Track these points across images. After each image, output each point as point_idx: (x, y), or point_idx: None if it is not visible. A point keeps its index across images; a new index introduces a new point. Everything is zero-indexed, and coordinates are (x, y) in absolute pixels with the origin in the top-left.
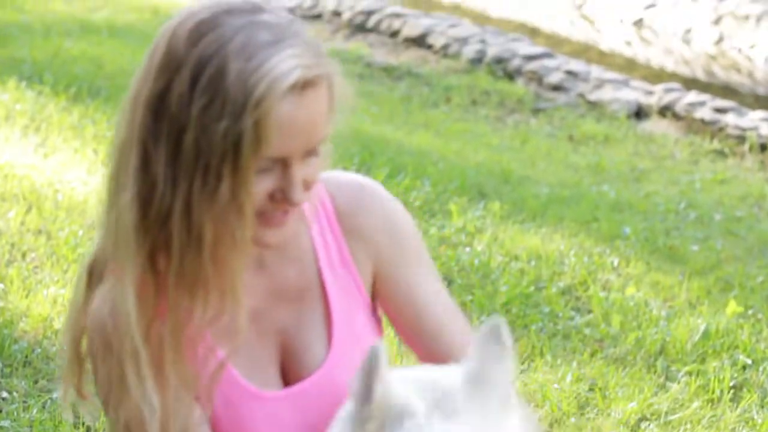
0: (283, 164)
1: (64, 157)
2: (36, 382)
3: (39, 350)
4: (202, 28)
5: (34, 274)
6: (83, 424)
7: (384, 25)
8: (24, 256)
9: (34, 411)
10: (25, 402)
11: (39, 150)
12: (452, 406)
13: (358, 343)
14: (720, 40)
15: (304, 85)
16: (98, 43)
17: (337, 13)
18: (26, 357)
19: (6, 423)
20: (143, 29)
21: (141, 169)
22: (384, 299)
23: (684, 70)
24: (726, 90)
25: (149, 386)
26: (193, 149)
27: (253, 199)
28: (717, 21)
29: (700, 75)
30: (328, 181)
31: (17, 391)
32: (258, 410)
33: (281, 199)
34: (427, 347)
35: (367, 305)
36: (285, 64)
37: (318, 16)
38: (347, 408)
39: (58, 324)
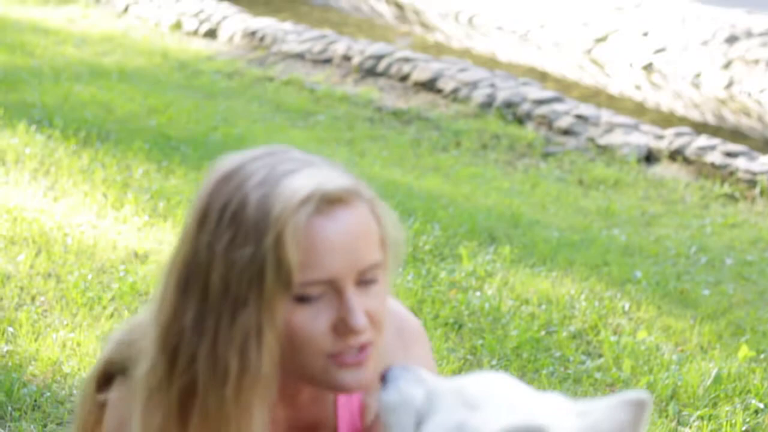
0: (335, 290)
1: (74, 201)
2: (45, 426)
3: (48, 394)
4: (225, 179)
5: (43, 318)
6: None
7: (394, 69)
8: (33, 299)
9: None
10: None
11: (48, 193)
12: None
13: None
14: (730, 84)
15: (325, 199)
16: (108, 87)
17: (347, 58)
18: (35, 401)
19: None
20: (153, 73)
21: (169, 324)
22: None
23: (694, 114)
24: (736, 134)
25: None
26: (221, 285)
27: (305, 333)
28: (727, 65)
29: (710, 119)
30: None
31: None
32: None
33: (344, 331)
34: None
35: None
36: (300, 182)
37: (328, 61)
38: None
39: (68, 368)
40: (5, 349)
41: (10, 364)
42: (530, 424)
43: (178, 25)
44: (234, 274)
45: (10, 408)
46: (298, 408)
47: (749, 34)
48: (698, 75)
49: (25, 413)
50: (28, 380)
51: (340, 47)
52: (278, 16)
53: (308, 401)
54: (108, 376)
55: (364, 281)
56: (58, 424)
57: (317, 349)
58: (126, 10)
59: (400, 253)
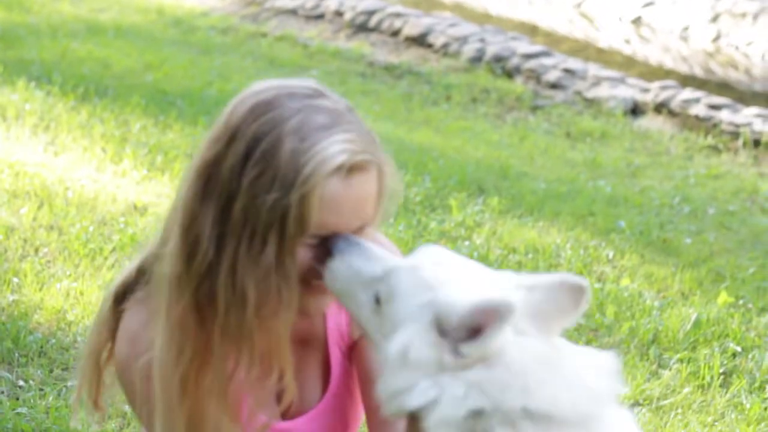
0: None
1: (74, 156)
2: (51, 371)
3: (53, 341)
4: (262, 107)
5: (47, 268)
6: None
7: (385, 25)
8: (37, 251)
9: (50, 398)
10: (41, 390)
11: (49, 148)
12: (519, 327)
13: (347, 396)
14: (717, 37)
15: (351, 168)
16: (105, 44)
17: (339, 13)
18: (41, 347)
19: (23, 410)
20: (149, 30)
21: (188, 223)
22: (356, 351)
23: (682, 67)
24: (723, 87)
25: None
26: (242, 215)
27: (300, 268)
28: (714, 18)
29: (698, 72)
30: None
31: (33, 380)
32: None
33: None
34: (376, 411)
35: (348, 347)
36: (335, 147)
37: (320, 16)
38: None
39: (72, 316)
40: (11, 299)
41: (15, 312)
42: (499, 301)
43: None
44: (256, 210)
45: (17, 354)
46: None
47: None
48: (686, 28)
49: (32, 359)
50: (33, 328)
51: (332, 3)
52: None
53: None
54: (125, 293)
55: (355, 231)
56: (63, 369)
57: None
58: None
59: (396, 199)
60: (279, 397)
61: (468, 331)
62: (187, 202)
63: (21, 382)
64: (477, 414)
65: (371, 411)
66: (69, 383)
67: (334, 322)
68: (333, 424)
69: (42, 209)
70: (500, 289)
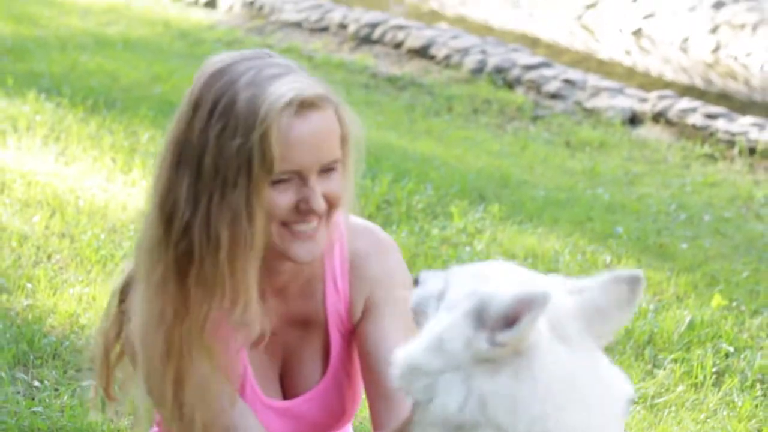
0: (301, 177)
1: (84, 165)
2: (65, 372)
3: (67, 343)
4: (217, 74)
5: (59, 274)
6: (114, 413)
7: (388, 37)
8: (49, 257)
9: (65, 398)
10: (56, 390)
11: (60, 159)
12: (566, 333)
13: (346, 379)
14: (717, 48)
15: (302, 104)
16: (113, 56)
17: (343, 26)
18: (55, 350)
19: (39, 409)
20: (156, 42)
21: (165, 194)
22: (359, 333)
23: (682, 78)
24: (722, 97)
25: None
26: (212, 167)
27: (274, 206)
28: (714, 30)
29: (698, 83)
30: (348, 226)
31: (48, 380)
32: (262, 413)
33: (306, 210)
34: (377, 390)
35: (348, 331)
36: (285, 87)
37: (325, 29)
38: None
39: (84, 320)
40: (25, 303)
41: (30, 316)
42: (536, 291)
43: None
44: (224, 159)
45: (32, 356)
46: (288, 300)
47: (736, 0)
48: (686, 39)
49: (46, 361)
50: (47, 331)
51: (336, 16)
52: None
53: (297, 295)
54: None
55: (325, 170)
56: (77, 371)
57: (277, 220)
58: None
59: (360, 147)
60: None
61: (505, 321)
62: (162, 173)
63: (36, 383)
64: (476, 422)
65: (375, 393)
66: (83, 383)
67: (334, 306)
68: (331, 405)
69: (54, 217)
70: (543, 284)
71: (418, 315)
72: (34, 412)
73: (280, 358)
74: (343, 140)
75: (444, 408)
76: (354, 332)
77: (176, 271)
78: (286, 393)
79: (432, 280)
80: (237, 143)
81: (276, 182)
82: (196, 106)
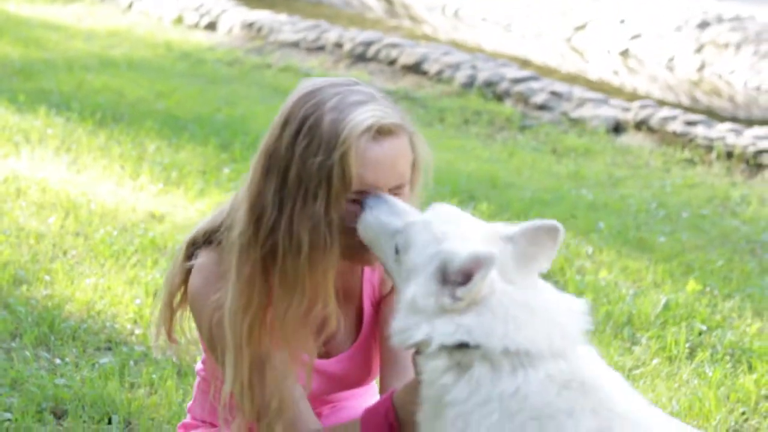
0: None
1: (95, 173)
2: (84, 351)
3: (85, 326)
4: (307, 95)
5: (75, 268)
6: (131, 385)
7: (382, 55)
8: (65, 253)
9: (85, 371)
10: (76, 365)
11: (71, 167)
12: (510, 276)
13: (373, 345)
14: (702, 67)
15: (380, 130)
16: (118, 75)
17: (338, 45)
18: (74, 332)
19: (61, 381)
20: (159, 63)
21: (255, 196)
22: (383, 303)
23: (668, 96)
24: (708, 114)
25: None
26: (296, 179)
27: (349, 218)
28: (699, 49)
29: (684, 100)
30: None
31: (69, 358)
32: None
33: None
34: (388, 350)
35: (377, 301)
36: (365, 114)
37: (321, 48)
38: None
39: (100, 306)
40: (44, 293)
41: (50, 304)
42: (485, 252)
43: (179, 20)
44: (306, 172)
45: (52, 338)
46: (338, 275)
47: (720, 20)
48: (672, 59)
49: (66, 342)
50: (66, 317)
51: (332, 35)
52: (273, 10)
53: (345, 271)
54: (193, 246)
55: (394, 189)
56: (96, 349)
57: (346, 234)
58: (130, 6)
59: (429, 170)
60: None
61: (463, 276)
62: (254, 180)
63: (58, 360)
64: (462, 348)
65: (385, 359)
66: (101, 360)
67: (368, 279)
68: (359, 367)
69: (68, 218)
70: (489, 243)
71: (370, 235)
72: (57, 384)
73: (321, 322)
74: (414, 165)
75: (435, 344)
76: (381, 302)
77: (262, 268)
78: (322, 354)
79: (385, 214)
80: (319, 160)
81: (353, 200)
82: (286, 122)
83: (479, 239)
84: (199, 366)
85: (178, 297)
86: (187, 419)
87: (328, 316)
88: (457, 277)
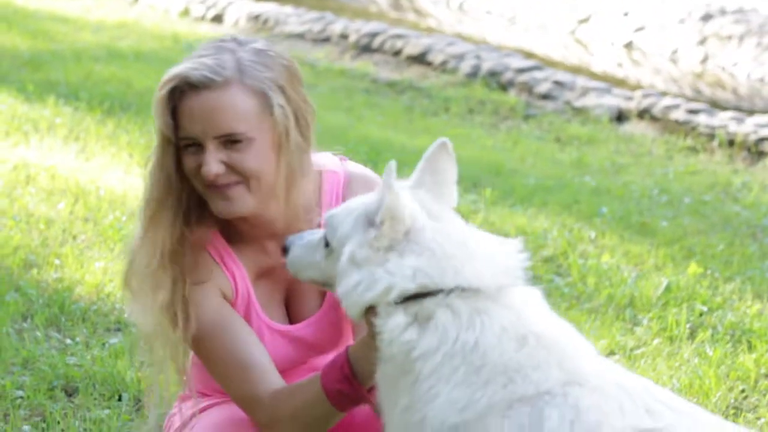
0: (199, 146)
1: (103, 161)
2: (95, 331)
3: (95, 308)
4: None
5: (85, 252)
6: (140, 364)
7: (387, 45)
8: (74, 238)
9: (95, 351)
10: (87, 345)
11: (80, 155)
12: (434, 213)
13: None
14: (705, 59)
15: (191, 84)
16: (125, 66)
17: (344, 36)
18: (84, 313)
19: (72, 360)
20: (166, 54)
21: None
22: None
23: (672, 89)
24: (712, 106)
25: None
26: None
27: (188, 172)
28: (702, 41)
29: (688, 92)
30: (353, 172)
31: (79, 338)
32: (267, 336)
33: (205, 173)
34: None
35: None
36: (180, 67)
37: (327, 39)
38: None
39: (110, 288)
40: (54, 276)
41: (60, 286)
42: (388, 185)
43: (186, 12)
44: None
45: (63, 319)
46: (269, 255)
47: (723, 12)
48: (675, 51)
49: (77, 323)
50: (76, 299)
51: (337, 27)
52: (279, 2)
53: (275, 251)
54: None
55: (228, 142)
56: (106, 330)
57: (195, 181)
58: None
59: (289, 126)
60: (284, 302)
61: (387, 218)
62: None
63: (68, 341)
64: (416, 298)
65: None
66: (111, 340)
67: None
68: (328, 330)
69: (77, 204)
70: (398, 188)
71: (299, 264)
72: (68, 363)
73: (285, 290)
74: (258, 119)
75: (395, 291)
76: None
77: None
78: (291, 320)
79: (300, 240)
80: (156, 117)
81: (184, 147)
82: None
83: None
84: None
85: None
86: (184, 392)
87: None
88: (382, 219)
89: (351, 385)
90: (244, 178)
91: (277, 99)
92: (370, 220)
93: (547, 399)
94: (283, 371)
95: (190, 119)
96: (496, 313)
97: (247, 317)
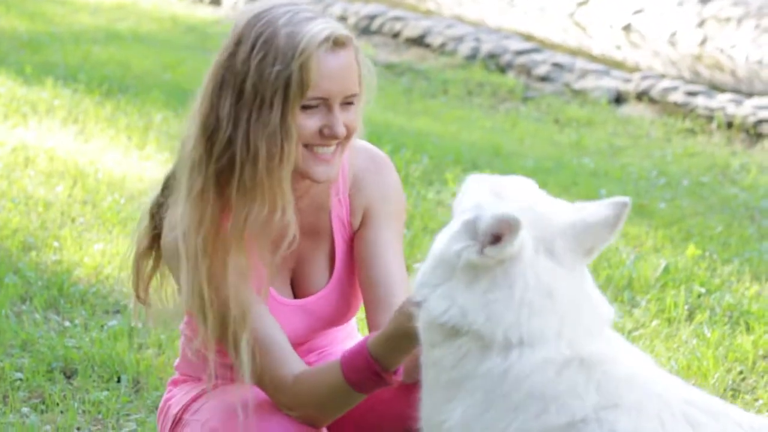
0: (326, 106)
1: (102, 143)
2: (93, 313)
3: (94, 290)
4: (258, 17)
5: (83, 234)
6: (139, 346)
7: (387, 28)
8: (73, 221)
9: (94, 333)
10: (85, 328)
11: (78, 137)
12: (553, 247)
13: (350, 280)
14: (704, 41)
15: (335, 41)
16: (124, 48)
17: (343, 18)
18: (83, 296)
19: (71, 342)
20: (165, 36)
21: (207, 114)
22: (356, 240)
23: (671, 71)
24: (710, 88)
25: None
26: (252, 90)
27: (301, 129)
28: (701, 24)
29: (686, 75)
30: (352, 146)
31: (78, 320)
32: (277, 310)
33: (329, 135)
34: (371, 290)
35: (350, 238)
36: (320, 26)
37: None
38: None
39: (109, 270)
40: (53, 258)
41: (59, 269)
42: (510, 215)
43: None
44: (263, 82)
45: (62, 301)
46: (301, 213)
47: None
48: (674, 34)
49: (75, 306)
50: (75, 281)
51: (336, 9)
52: None
53: (308, 208)
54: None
55: (346, 102)
56: (105, 312)
57: (302, 141)
58: None
59: (372, 88)
60: (293, 286)
61: (492, 237)
62: (206, 97)
63: (67, 323)
64: (460, 328)
65: (368, 290)
66: (110, 322)
67: (337, 215)
68: (337, 303)
69: (76, 187)
70: (524, 206)
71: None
72: (66, 345)
73: (292, 265)
74: (361, 77)
75: (430, 314)
76: (354, 236)
77: (216, 183)
78: (298, 295)
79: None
80: (277, 69)
81: (305, 108)
82: (238, 41)
83: (530, 204)
84: (182, 326)
85: (150, 263)
86: (176, 375)
87: (287, 225)
88: (485, 238)
89: (377, 375)
90: (347, 138)
91: (363, 60)
92: (475, 228)
93: (580, 427)
94: (294, 345)
95: (330, 78)
96: (542, 351)
97: (258, 292)
